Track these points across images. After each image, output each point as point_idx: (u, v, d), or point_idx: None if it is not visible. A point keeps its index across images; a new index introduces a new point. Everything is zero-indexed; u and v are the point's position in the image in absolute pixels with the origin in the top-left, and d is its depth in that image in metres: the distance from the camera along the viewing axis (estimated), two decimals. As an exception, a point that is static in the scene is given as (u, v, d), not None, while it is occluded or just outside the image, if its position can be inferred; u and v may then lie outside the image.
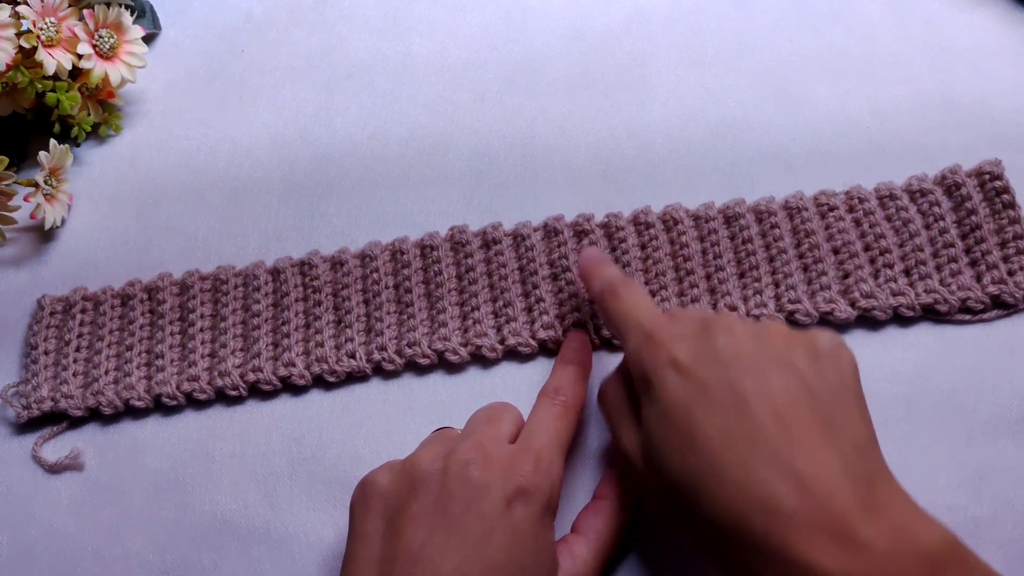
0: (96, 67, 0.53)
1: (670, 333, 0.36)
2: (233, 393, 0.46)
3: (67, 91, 0.52)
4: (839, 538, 0.30)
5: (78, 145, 0.56)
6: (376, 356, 0.46)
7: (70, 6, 0.53)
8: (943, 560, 0.30)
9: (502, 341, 0.46)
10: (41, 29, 0.51)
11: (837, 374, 0.34)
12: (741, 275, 0.47)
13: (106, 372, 0.47)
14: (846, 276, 0.46)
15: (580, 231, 0.48)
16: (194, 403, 0.47)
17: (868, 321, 0.45)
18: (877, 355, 0.44)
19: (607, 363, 0.45)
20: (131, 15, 0.55)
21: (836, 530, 0.30)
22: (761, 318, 0.38)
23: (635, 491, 0.40)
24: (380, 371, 0.47)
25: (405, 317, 0.47)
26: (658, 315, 0.39)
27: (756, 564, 0.31)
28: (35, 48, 0.51)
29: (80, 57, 0.52)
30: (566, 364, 0.43)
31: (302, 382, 0.46)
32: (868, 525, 0.30)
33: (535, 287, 0.47)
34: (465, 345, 0.46)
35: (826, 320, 0.45)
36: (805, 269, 0.46)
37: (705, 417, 0.33)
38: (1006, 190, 0.47)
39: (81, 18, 0.53)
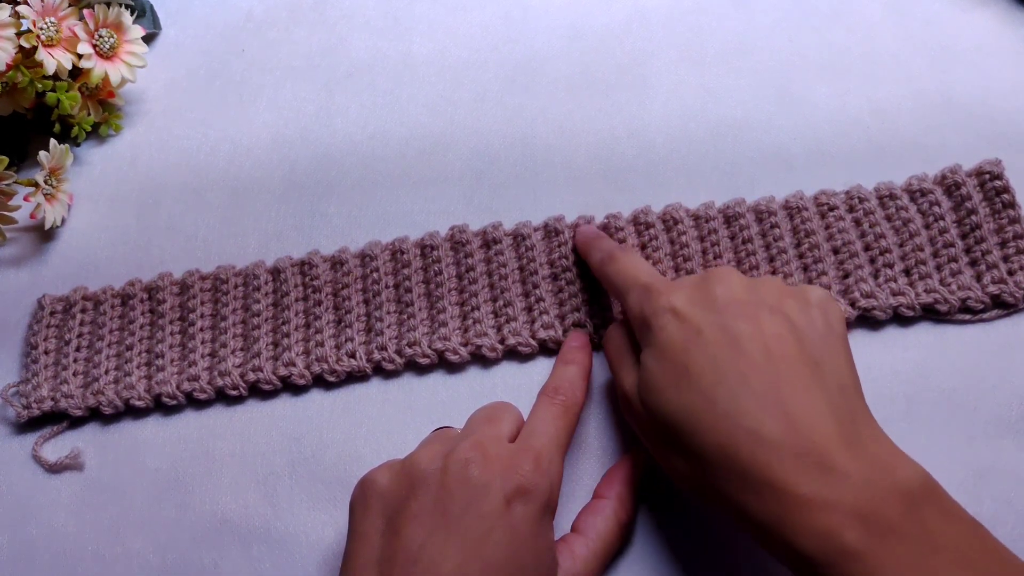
0: (96, 67, 0.53)
1: (668, 285, 0.39)
2: (233, 393, 0.46)
3: (67, 91, 0.52)
4: (819, 467, 0.32)
5: (78, 145, 0.56)
6: (376, 356, 0.46)
7: (70, 6, 0.53)
8: (919, 495, 0.31)
9: (502, 341, 0.46)
10: (41, 29, 0.51)
11: (825, 322, 0.37)
12: (741, 275, 0.47)
13: (106, 372, 0.47)
14: (846, 276, 0.46)
15: (580, 231, 0.48)
16: (194, 403, 0.47)
17: (868, 321, 0.45)
18: (877, 355, 0.44)
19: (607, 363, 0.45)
20: (131, 15, 0.55)
21: (817, 460, 0.32)
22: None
23: (637, 440, 0.41)
24: (380, 371, 0.47)
25: (405, 317, 0.47)
26: (655, 272, 0.42)
27: (741, 492, 0.33)
28: (35, 48, 0.51)
29: (80, 57, 0.52)
30: (566, 364, 0.43)
31: (302, 382, 0.46)
32: (848, 457, 0.32)
33: (535, 287, 0.47)
34: (465, 345, 0.46)
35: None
36: (805, 269, 0.46)
37: (699, 355, 0.35)
38: (1006, 190, 0.47)
39: (81, 18, 0.53)
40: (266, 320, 0.48)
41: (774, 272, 0.46)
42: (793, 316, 0.36)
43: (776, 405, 0.33)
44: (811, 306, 0.37)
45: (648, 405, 0.36)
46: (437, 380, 0.46)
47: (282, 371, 0.46)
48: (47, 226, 0.51)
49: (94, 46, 0.53)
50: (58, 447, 0.46)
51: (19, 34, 0.50)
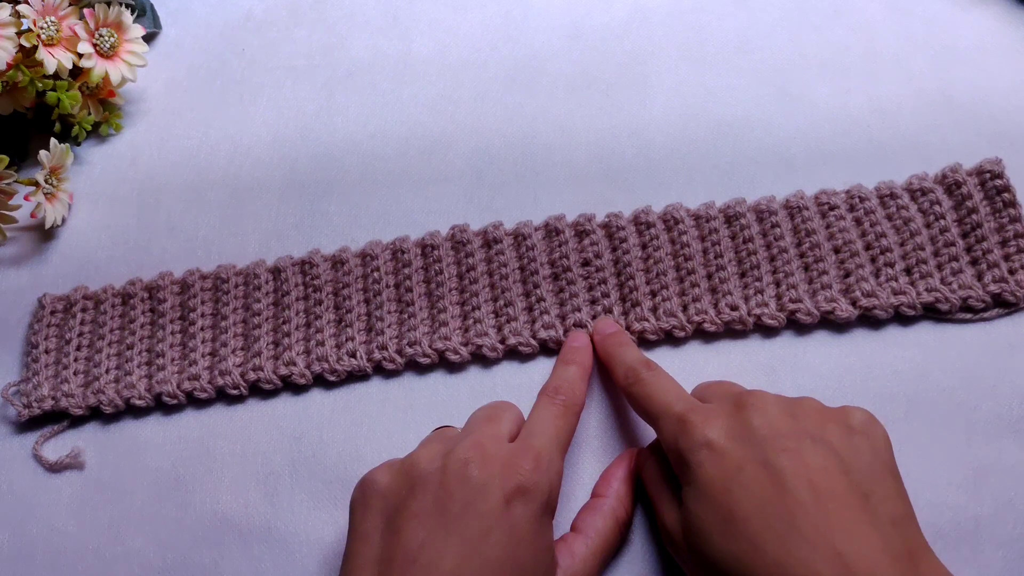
0: (96, 66, 0.53)
1: (702, 415, 0.36)
2: (234, 392, 0.46)
3: (67, 90, 0.52)
4: None
5: (79, 144, 0.56)
6: (377, 355, 0.46)
7: (70, 5, 0.53)
8: None
9: (503, 340, 0.46)
10: (41, 28, 0.51)
11: (871, 449, 0.35)
12: (742, 275, 0.47)
13: (107, 371, 0.47)
14: (847, 275, 0.46)
15: (581, 231, 0.48)
16: (195, 402, 0.47)
17: (869, 320, 0.45)
18: (878, 354, 0.44)
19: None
20: (131, 14, 0.55)
21: None
22: (794, 398, 0.38)
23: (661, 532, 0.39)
24: (381, 370, 0.47)
25: (406, 316, 0.47)
26: (687, 397, 0.39)
27: None
28: (35, 47, 0.51)
29: (80, 56, 0.52)
30: (567, 364, 0.43)
31: (303, 381, 0.46)
32: None
33: (536, 287, 0.47)
34: (466, 344, 0.46)
35: (827, 319, 0.45)
36: (806, 268, 0.46)
37: (743, 497, 0.33)
38: (1007, 189, 0.47)
39: (81, 17, 0.53)
40: (267, 319, 0.48)
41: (775, 271, 0.46)
42: (837, 445, 0.34)
43: (827, 548, 0.31)
44: (854, 432, 0.35)
45: (694, 548, 0.35)
46: (437, 380, 0.46)
47: (282, 370, 0.46)
48: (47, 225, 0.51)
49: (94, 45, 0.53)
50: (58, 446, 0.46)
51: (19, 33, 0.50)
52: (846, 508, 0.32)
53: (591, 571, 0.38)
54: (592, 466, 0.43)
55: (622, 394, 0.42)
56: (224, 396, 0.47)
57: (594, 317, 0.46)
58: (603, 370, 0.45)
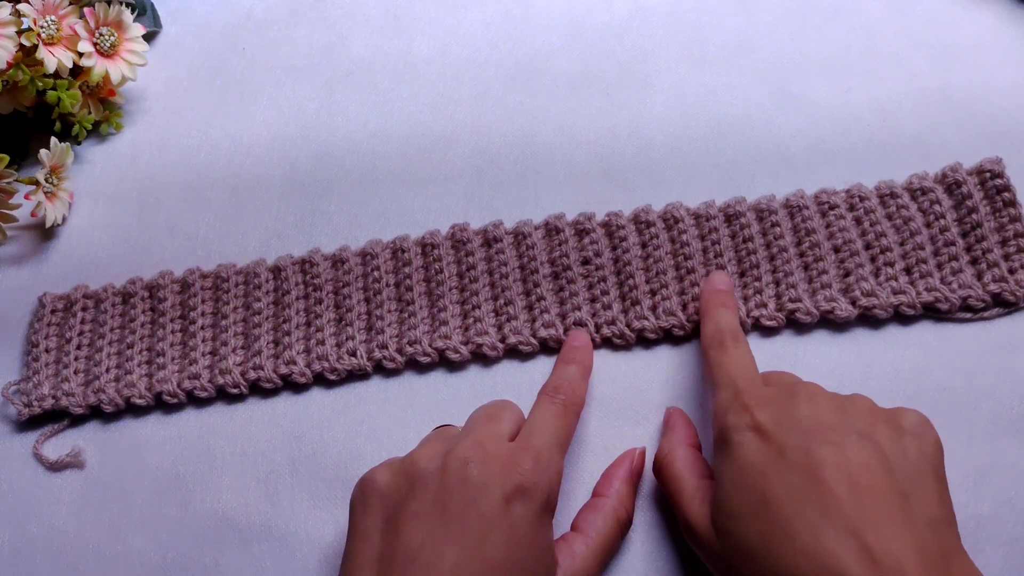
0: (97, 65, 0.53)
1: (757, 396, 0.37)
2: (234, 391, 0.46)
3: (68, 89, 0.52)
4: None
5: (79, 143, 0.56)
6: (377, 354, 0.46)
7: (71, 4, 0.53)
8: None
9: (503, 339, 0.46)
10: (42, 27, 0.51)
11: (919, 450, 0.34)
12: (742, 274, 0.47)
13: (107, 370, 0.47)
14: (847, 275, 0.46)
15: (581, 229, 0.48)
16: (195, 401, 0.47)
17: (869, 320, 0.45)
18: (878, 354, 0.44)
19: (608, 362, 0.45)
20: (132, 13, 0.55)
21: None
22: (844, 395, 0.38)
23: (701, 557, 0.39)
24: (381, 369, 0.47)
25: (406, 315, 0.47)
26: (753, 376, 0.39)
27: None
28: (36, 46, 0.51)
29: (81, 55, 0.52)
30: (567, 363, 0.43)
31: (303, 380, 0.46)
32: None
33: (536, 285, 0.47)
34: (466, 343, 0.46)
35: (827, 319, 0.45)
36: (806, 268, 0.46)
37: (779, 481, 0.33)
38: (1007, 188, 0.47)
39: (82, 16, 0.53)
40: (267, 318, 0.48)
41: (775, 271, 0.46)
42: (883, 443, 0.34)
43: (859, 542, 0.31)
44: (904, 433, 0.35)
45: (721, 529, 0.35)
46: (438, 379, 0.46)
47: (283, 369, 0.46)
48: (48, 224, 0.51)
49: (95, 44, 0.53)
50: (59, 445, 0.46)
51: (20, 32, 0.50)
52: (882, 504, 0.32)
53: (591, 571, 0.38)
54: (593, 465, 0.43)
55: (701, 349, 0.43)
56: (224, 395, 0.47)
57: (594, 315, 0.46)
58: (605, 369, 0.45)
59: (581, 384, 0.42)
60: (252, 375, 0.46)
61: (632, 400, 0.44)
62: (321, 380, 0.47)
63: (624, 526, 0.40)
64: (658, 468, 0.40)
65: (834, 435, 0.34)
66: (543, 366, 0.46)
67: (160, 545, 0.43)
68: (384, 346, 0.46)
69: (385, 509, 0.35)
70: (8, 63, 0.49)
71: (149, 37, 0.60)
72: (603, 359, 0.45)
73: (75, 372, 0.47)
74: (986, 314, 0.45)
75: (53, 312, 0.49)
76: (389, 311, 0.47)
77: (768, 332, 0.46)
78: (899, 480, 0.33)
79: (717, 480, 0.36)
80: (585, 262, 0.48)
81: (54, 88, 0.52)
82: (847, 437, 0.34)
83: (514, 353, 0.46)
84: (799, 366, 0.44)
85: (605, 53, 0.57)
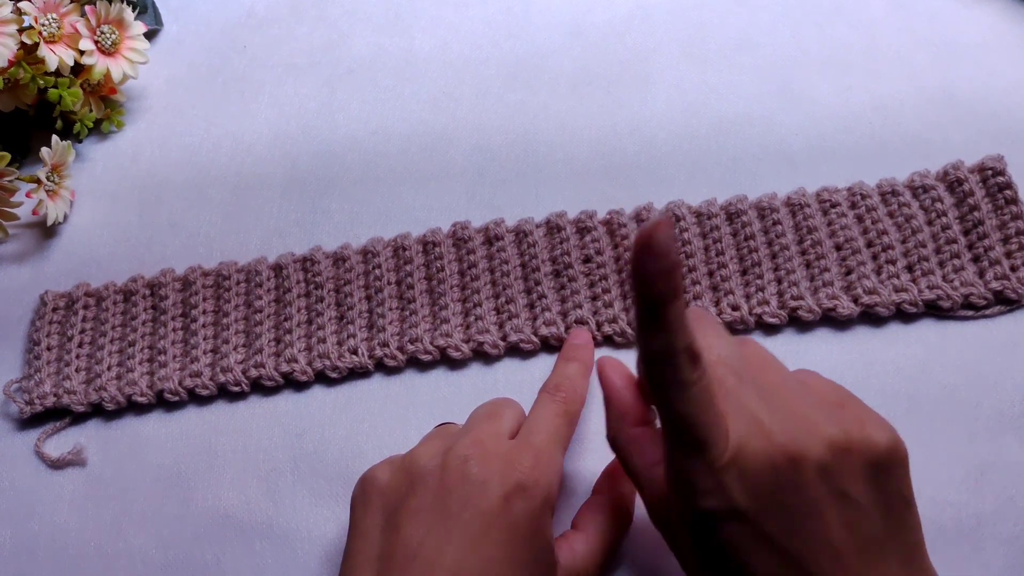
0: (98, 63, 0.53)
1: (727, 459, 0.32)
2: (235, 389, 0.46)
3: (69, 87, 0.52)
4: None
5: (80, 141, 0.56)
6: (378, 352, 0.46)
7: (72, 2, 0.53)
8: None
9: (504, 338, 0.46)
10: (43, 25, 0.51)
11: (895, 487, 0.32)
12: (743, 272, 0.47)
13: (108, 368, 0.47)
14: (849, 272, 0.46)
15: (582, 228, 0.48)
16: (196, 399, 0.47)
17: (871, 317, 0.45)
18: (880, 351, 0.44)
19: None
20: (133, 11, 0.55)
21: None
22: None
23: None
24: (382, 367, 0.47)
25: (407, 313, 0.47)
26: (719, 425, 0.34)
27: None
28: (37, 44, 0.51)
29: (82, 53, 0.52)
30: (568, 361, 0.43)
31: (304, 378, 0.46)
32: None
33: (537, 283, 0.47)
34: (467, 341, 0.46)
35: (829, 317, 0.45)
36: (808, 266, 0.46)
37: (764, 566, 0.31)
38: (1008, 186, 0.47)
39: (83, 14, 0.53)
40: (268, 316, 0.48)
41: (776, 269, 0.46)
42: (860, 496, 0.31)
43: None
44: (879, 472, 0.32)
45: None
46: (439, 377, 0.46)
47: (284, 367, 0.46)
48: (49, 222, 0.51)
49: (96, 42, 0.53)
50: (60, 443, 0.46)
51: (21, 30, 0.50)
52: (860, 560, 0.30)
53: (592, 569, 0.37)
54: (593, 464, 0.43)
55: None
56: (226, 393, 0.47)
57: (595, 314, 0.46)
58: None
59: (582, 382, 0.42)
60: (253, 373, 0.46)
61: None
62: (322, 378, 0.47)
63: (624, 524, 0.39)
64: (652, 516, 0.36)
65: (815, 507, 0.31)
66: (544, 364, 0.46)
67: (161, 542, 0.43)
68: (385, 344, 0.46)
69: (385, 507, 0.35)
70: (9, 61, 0.49)
71: (150, 35, 0.60)
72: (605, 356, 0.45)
73: (76, 370, 0.47)
74: (988, 312, 0.45)
75: (55, 310, 0.49)
76: (390, 309, 0.47)
77: (770, 330, 0.46)
78: (876, 528, 0.31)
79: (691, 546, 0.33)
80: (586, 260, 0.48)
81: (55, 86, 0.52)
82: (829, 502, 0.31)
83: (515, 351, 0.46)
84: (801, 364, 0.44)
85: (606, 51, 0.57)
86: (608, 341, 0.46)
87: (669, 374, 0.29)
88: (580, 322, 0.46)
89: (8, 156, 0.49)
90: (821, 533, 0.30)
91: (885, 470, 0.32)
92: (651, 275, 0.28)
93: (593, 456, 0.43)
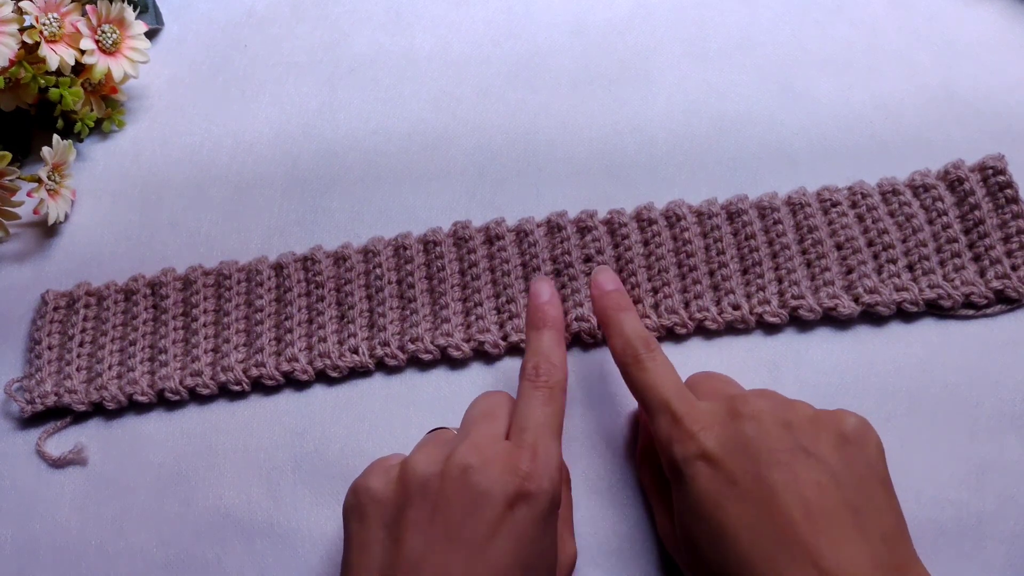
0: (99, 62, 0.53)
1: (698, 420, 0.36)
2: (236, 388, 0.46)
3: (70, 86, 0.52)
4: None
5: (81, 140, 0.56)
6: (379, 351, 0.46)
7: (73, 2, 0.53)
8: None
9: (505, 337, 0.46)
10: (44, 25, 0.51)
11: (864, 460, 0.34)
12: (744, 271, 0.47)
13: (109, 367, 0.47)
14: (849, 272, 0.46)
15: (583, 227, 0.48)
16: (197, 398, 0.47)
17: (872, 316, 0.45)
18: (880, 350, 0.44)
19: (610, 359, 0.45)
20: (134, 10, 0.55)
21: None
22: (791, 400, 0.38)
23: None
24: (383, 366, 0.47)
25: (408, 312, 0.47)
26: (684, 393, 0.38)
27: None
28: (38, 44, 0.51)
29: (83, 52, 0.52)
30: (538, 330, 0.41)
31: (305, 377, 0.46)
32: None
33: (538, 282, 0.47)
34: (468, 341, 0.46)
35: (829, 316, 0.45)
36: (808, 265, 0.46)
37: (735, 511, 0.33)
38: (1009, 185, 0.46)
39: (84, 14, 0.53)
40: (269, 315, 0.48)
41: (777, 268, 0.46)
42: (829, 457, 0.34)
43: (814, 566, 0.31)
44: (848, 442, 0.35)
45: (688, 554, 0.36)
46: (439, 376, 0.46)
47: (285, 366, 0.46)
48: (50, 222, 0.51)
49: (97, 42, 0.53)
50: (62, 442, 0.46)
51: (22, 30, 0.50)
52: (836, 524, 0.32)
53: (569, 546, 0.38)
54: (592, 464, 0.43)
55: (617, 366, 0.41)
56: (226, 392, 0.47)
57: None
58: (604, 365, 0.45)
59: (558, 352, 0.41)
60: (254, 372, 0.46)
61: (633, 398, 0.44)
62: (323, 377, 0.47)
63: (566, 482, 0.41)
64: (640, 469, 0.41)
65: (783, 455, 0.34)
66: (545, 363, 0.46)
67: (162, 541, 0.43)
68: (386, 343, 0.46)
69: (383, 518, 0.34)
70: (10, 60, 0.49)
71: (151, 34, 0.60)
72: (604, 356, 0.45)
73: (77, 369, 0.47)
74: (989, 311, 0.45)
75: (56, 309, 0.49)
76: (391, 308, 0.47)
77: (771, 329, 0.46)
78: (849, 495, 0.33)
79: (676, 510, 0.36)
80: (587, 259, 0.48)
81: (56, 85, 0.52)
82: (796, 457, 0.34)
83: (516, 350, 0.46)
84: (801, 363, 0.44)
85: (607, 50, 0.57)
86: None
87: (630, 358, 0.39)
88: (580, 320, 0.46)
89: (9, 155, 0.49)
90: (792, 486, 0.33)
91: (855, 444, 0.35)
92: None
93: (594, 455, 0.43)
